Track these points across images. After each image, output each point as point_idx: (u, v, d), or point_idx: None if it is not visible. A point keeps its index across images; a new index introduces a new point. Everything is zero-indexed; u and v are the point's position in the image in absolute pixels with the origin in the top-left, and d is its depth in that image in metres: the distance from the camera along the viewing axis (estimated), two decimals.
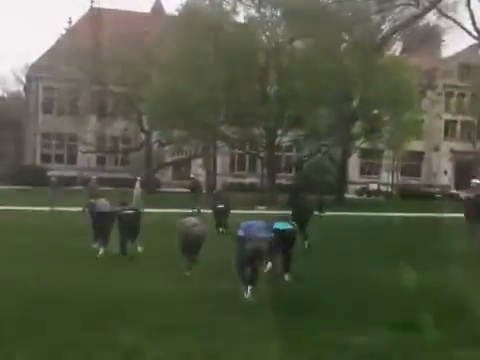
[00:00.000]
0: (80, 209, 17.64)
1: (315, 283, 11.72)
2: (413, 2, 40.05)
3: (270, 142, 40.20)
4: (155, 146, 52.90)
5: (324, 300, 10.26)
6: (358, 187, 56.50)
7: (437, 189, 58.52)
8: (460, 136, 63.27)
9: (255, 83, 39.26)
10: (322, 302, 10.12)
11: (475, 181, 16.57)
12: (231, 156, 57.65)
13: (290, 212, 16.62)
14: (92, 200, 16.80)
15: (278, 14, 39.68)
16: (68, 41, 50.67)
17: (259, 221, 10.98)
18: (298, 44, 39.76)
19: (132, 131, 53.06)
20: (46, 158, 55.86)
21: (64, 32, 56.08)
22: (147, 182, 46.46)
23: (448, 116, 62.57)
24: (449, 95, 62.52)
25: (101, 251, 14.86)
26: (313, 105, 36.50)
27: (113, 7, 57.52)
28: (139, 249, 14.86)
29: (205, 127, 39.32)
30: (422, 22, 46.13)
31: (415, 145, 50.49)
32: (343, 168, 44.35)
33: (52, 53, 52.66)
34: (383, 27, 42.00)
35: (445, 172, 62.62)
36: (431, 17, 44.73)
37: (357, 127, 42.20)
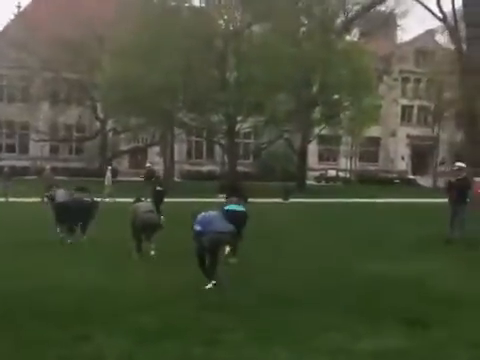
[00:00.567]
0: (37, 199, 16.91)
1: (305, 277, 11.03)
2: None
3: (230, 129, 39.47)
4: (110, 134, 51.70)
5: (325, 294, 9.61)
6: (317, 173, 56.34)
7: (394, 175, 58.90)
8: (416, 121, 63.64)
9: (213, 68, 38.42)
10: (324, 296, 9.46)
11: (458, 164, 16.18)
12: (188, 143, 56.62)
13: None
14: (52, 190, 16.59)
15: None
16: (17, 26, 48.93)
17: (214, 211, 10.55)
18: (257, 28, 38.91)
19: (86, 119, 51.81)
20: None
21: (12, 17, 54.38)
22: (102, 171, 45.47)
23: (404, 101, 62.81)
24: (405, 80, 62.70)
25: (69, 240, 14.71)
26: (273, 90, 35.91)
27: None
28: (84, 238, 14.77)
29: (162, 114, 38.36)
30: (379, 7, 45.96)
31: (372, 131, 50.32)
32: (303, 155, 43.91)
33: (1, 39, 50.82)
34: (344, 10, 41.36)
35: (402, 158, 62.96)
36: (390, 1, 44.56)
37: (317, 113, 41.82)
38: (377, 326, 7.79)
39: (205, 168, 55.18)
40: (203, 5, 39.54)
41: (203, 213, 10.27)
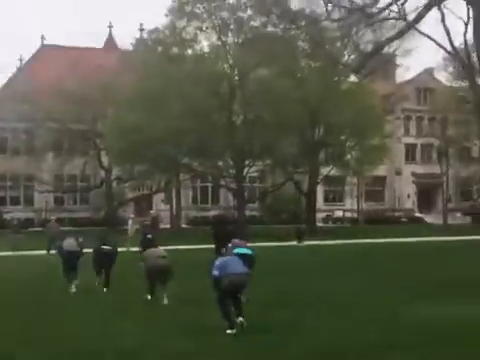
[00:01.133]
0: (43, 252, 17.19)
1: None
2: (398, 16, 38.25)
3: (238, 172, 39.20)
4: (115, 183, 51.44)
5: None
6: (323, 215, 55.90)
7: (401, 213, 58.52)
8: (420, 159, 63.50)
9: (219, 112, 38.28)
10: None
11: None
12: (193, 189, 56.28)
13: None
14: (57, 242, 17.28)
15: (240, 41, 38.91)
16: (20, 79, 49.18)
17: (232, 256, 10.98)
18: (262, 71, 38.89)
19: (91, 168, 51.55)
20: (1, 201, 53.61)
21: (15, 70, 54.73)
22: (109, 220, 45.15)
23: (408, 140, 62.78)
24: (407, 119, 62.80)
25: (73, 288, 15.16)
26: (280, 132, 35.77)
27: (64, 44, 56.10)
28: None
29: (168, 160, 38.23)
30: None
31: (377, 170, 50.16)
32: (311, 196, 43.56)
33: (4, 92, 51.02)
34: (346, 51, 41.29)
35: (408, 196, 62.62)
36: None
37: (323, 154, 41.66)
38: None
39: (212, 213, 54.68)
40: (206, 51, 39.65)
41: (220, 258, 10.67)
